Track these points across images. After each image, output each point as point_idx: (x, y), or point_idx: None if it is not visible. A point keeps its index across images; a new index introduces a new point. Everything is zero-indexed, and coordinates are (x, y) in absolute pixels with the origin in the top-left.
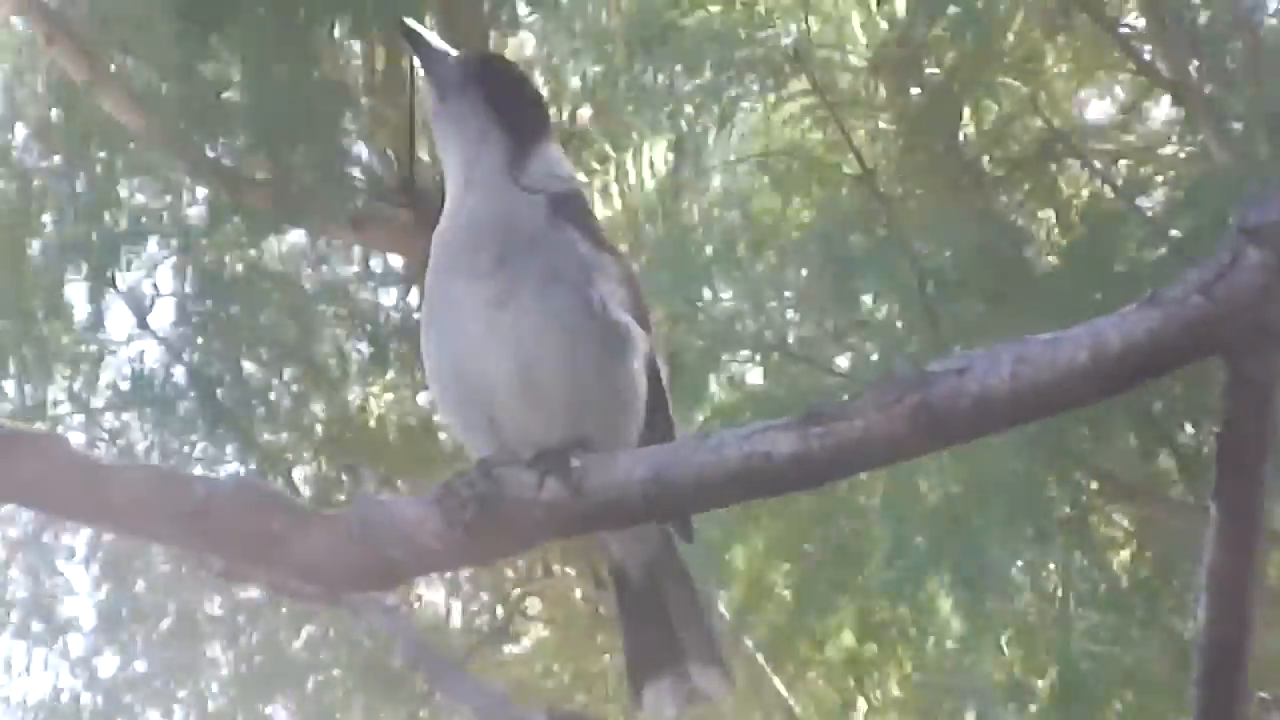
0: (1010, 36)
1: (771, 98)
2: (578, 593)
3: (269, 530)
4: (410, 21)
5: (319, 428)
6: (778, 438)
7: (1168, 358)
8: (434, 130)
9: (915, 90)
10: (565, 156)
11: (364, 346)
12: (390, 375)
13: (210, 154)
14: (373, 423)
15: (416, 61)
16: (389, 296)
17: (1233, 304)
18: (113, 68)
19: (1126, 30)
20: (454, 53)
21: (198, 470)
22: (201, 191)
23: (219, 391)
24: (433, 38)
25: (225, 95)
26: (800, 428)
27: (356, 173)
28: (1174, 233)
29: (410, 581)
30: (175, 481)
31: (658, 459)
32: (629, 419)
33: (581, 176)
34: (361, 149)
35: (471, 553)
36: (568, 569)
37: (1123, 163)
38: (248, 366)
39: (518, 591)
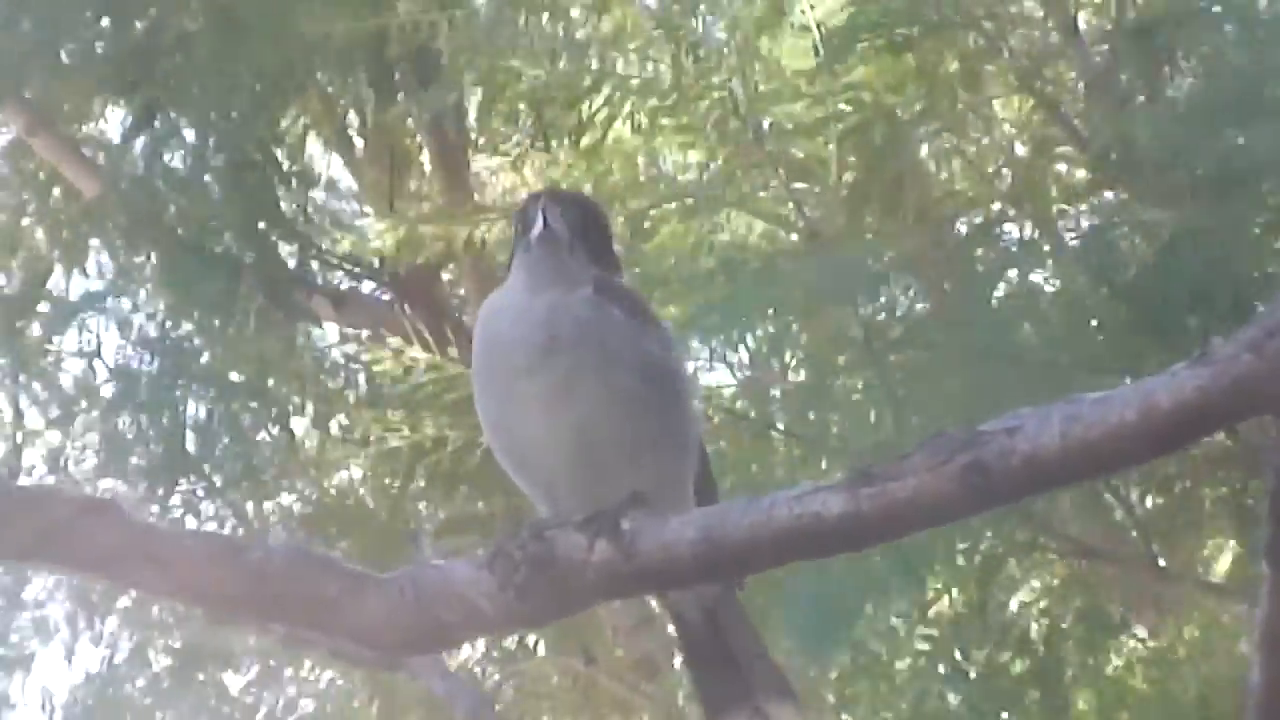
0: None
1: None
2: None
3: (324, 595)
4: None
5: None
6: (828, 498)
7: (1218, 416)
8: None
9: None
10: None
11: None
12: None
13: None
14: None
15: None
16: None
17: None
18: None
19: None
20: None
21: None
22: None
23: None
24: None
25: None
26: (851, 488)
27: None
28: None
29: (462, 644)
30: (230, 547)
31: (708, 520)
32: (687, 467)
33: None
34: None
35: (523, 615)
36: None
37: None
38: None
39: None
